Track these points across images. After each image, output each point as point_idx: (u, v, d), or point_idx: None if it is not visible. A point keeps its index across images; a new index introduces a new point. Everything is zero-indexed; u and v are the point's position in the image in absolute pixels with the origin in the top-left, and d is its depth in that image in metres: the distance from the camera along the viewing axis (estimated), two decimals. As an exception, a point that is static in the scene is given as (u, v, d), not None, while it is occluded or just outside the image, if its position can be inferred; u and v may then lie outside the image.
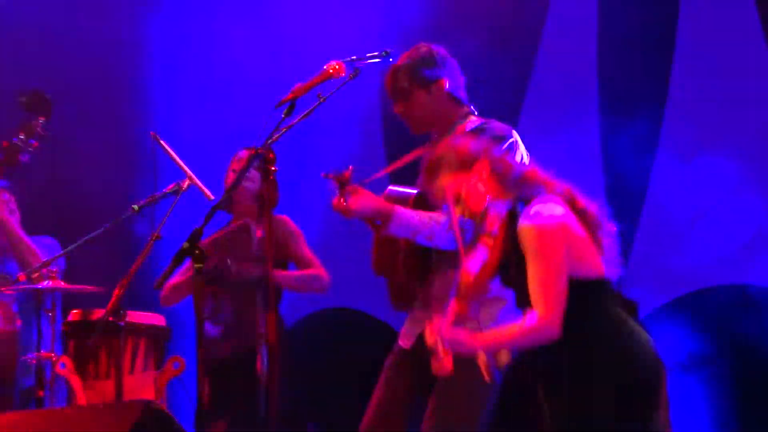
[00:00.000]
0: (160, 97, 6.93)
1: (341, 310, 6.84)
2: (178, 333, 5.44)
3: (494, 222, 3.52)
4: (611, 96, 6.38)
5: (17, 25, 6.70)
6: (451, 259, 3.97)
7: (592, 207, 3.58)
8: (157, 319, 5.23)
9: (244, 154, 5.28)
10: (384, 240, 4.25)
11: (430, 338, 3.55)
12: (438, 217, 4.06)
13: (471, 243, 3.59)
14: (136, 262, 4.72)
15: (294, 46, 6.56)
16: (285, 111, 3.83)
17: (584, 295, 3.47)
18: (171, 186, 4.91)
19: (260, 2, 6.87)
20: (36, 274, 5.09)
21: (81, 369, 4.99)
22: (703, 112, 6.20)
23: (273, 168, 3.80)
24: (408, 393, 4.30)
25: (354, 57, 3.97)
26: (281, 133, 3.79)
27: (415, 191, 4.25)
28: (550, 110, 6.45)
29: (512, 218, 3.54)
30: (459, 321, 3.51)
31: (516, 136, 4.23)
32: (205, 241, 4.41)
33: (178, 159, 5.00)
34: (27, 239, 5.48)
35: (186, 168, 4.97)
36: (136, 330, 5.05)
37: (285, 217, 5.30)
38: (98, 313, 5.01)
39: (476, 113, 4.37)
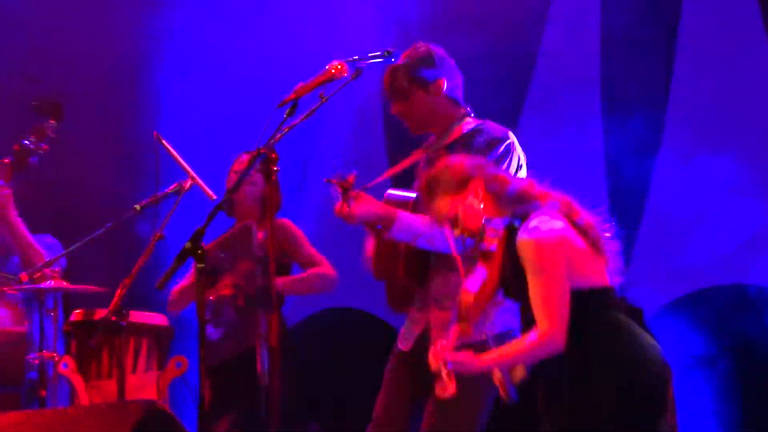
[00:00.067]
0: (162, 97, 6.93)
1: (341, 310, 6.84)
2: (180, 333, 5.44)
3: (492, 241, 3.53)
4: (613, 97, 6.38)
5: (20, 21, 6.71)
6: (450, 261, 3.96)
7: (591, 218, 3.58)
8: (160, 319, 5.23)
9: (246, 157, 5.27)
10: (383, 245, 4.24)
11: (433, 363, 3.53)
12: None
13: (470, 260, 3.59)
14: (139, 262, 4.72)
15: (295, 47, 6.55)
16: (287, 111, 3.81)
17: (586, 305, 3.47)
18: (173, 186, 4.92)
19: (261, 3, 6.87)
20: (38, 274, 5.09)
21: (83, 369, 4.99)
22: (705, 112, 6.20)
23: (275, 168, 3.79)
24: (409, 395, 4.30)
25: (356, 57, 3.96)
26: (283, 133, 3.77)
27: (414, 195, 4.23)
28: (551, 111, 6.44)
29: (510, 233, 3.54)
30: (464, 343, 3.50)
31: (513, 138, 4.22)
32: (209, 246, 4.41)
33: (180, 159, 5.00)
34: (31, 237, 5.48)
35: (188, 168, 4.97)
36: (139, 330, 5.06)
37: (285, 221, 5.27)
38: (101, 313, 5.01)
39: (473, 114, 4.37)
